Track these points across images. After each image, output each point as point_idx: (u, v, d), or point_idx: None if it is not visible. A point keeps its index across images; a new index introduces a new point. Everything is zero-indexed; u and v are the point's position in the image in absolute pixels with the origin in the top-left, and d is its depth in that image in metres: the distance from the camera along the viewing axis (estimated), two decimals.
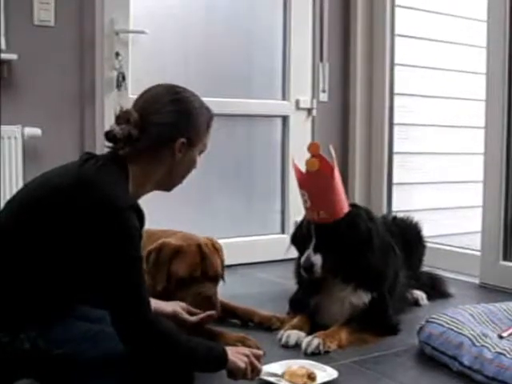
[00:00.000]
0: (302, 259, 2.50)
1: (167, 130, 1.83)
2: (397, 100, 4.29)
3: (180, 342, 1.78)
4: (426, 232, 3.70)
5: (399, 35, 4.27)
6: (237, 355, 1.86)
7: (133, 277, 1.70)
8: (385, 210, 4.22)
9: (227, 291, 2.74)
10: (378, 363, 2.32)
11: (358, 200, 4.06)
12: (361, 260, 2.54)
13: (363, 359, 2.34)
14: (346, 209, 2.54)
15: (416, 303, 3.04)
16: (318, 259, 2.47)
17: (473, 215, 4.00)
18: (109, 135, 1.81)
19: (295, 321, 2.57)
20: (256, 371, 1.90)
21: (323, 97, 4.12)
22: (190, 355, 1.80)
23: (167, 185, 1.99)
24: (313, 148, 2.55)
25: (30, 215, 1.73)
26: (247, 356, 1.88)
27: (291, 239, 2.79)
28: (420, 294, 3.08)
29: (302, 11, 4.02)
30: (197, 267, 2.46)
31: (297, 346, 2.42)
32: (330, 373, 2.06)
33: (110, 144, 1.83)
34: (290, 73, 4.01)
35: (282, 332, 2.51)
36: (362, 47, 4.19)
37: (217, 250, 2.57)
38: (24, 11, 3.19)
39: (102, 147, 1.94)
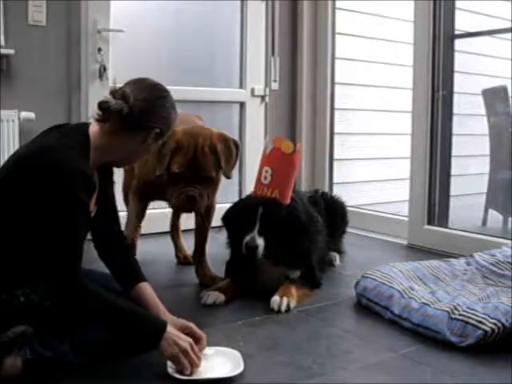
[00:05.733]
0: (248, 239, 2.47)
1: (149, 117, 1.84)
2: (337, 88, 4.49)
3: (106, 301, 1.70)
4: (360, 200, 4.05)
5: (339, 33, 4.48)
6: (173, 342, 1.72)
7: (61, 230, 1.67)
8: (327, 182, 4.44)
9: (190, 248, 2.92)
10: (321, 312, 2.45)
11: (305, 173, 4.41)
12: (296, 248, 2.59)
13: (308, 309, 2.47)
14: (289, 199, 2.59)
15: (330, 263, 3.14)
16: (261, 242, 2.48)
17: (401, 186, 4.24)
18: (103, 105, 1.79)
19: (221, 284, 2.60)
20: (193, 367, 1.73)
21: (274, 86, 4.36)
22: (115, 318, 1.71)
23: (120, 163, 2.02)
24: (277, 142, 2.61)
25: (3, 184, 1.76)
26: (183, 351, 1.72)
27: (227, 218, 2.68)
28: (334, 255, 3.20)
29: (256, 13, 4.26)
30: (186, 165, 2.39)
31: (214, 305, 2.47)
32: (231, 369, 1.80)
33: (99, 113, 1.81)
34: (247, 65, 4.25)
35: (204, 291, 2.55)
36: (307, 43, 4.41)
37: (215, 152, 2.43)
38: (20, 13, 3.37)
39: None
